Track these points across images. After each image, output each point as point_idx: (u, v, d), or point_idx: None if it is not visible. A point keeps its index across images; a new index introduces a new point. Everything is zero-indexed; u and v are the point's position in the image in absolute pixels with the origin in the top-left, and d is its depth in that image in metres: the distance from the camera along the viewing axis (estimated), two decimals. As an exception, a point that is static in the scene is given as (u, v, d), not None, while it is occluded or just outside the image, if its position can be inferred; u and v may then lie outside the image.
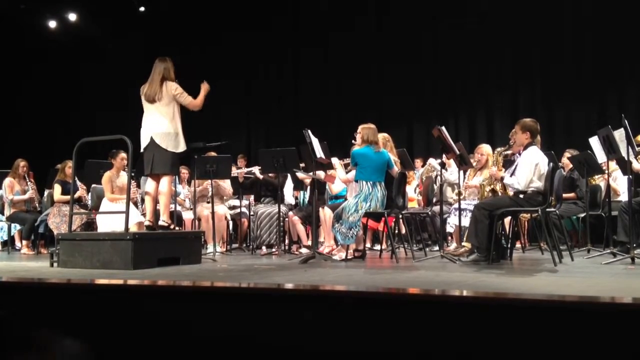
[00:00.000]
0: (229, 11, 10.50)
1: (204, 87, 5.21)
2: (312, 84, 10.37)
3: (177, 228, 5.23)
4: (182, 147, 5.05)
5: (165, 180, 5.03)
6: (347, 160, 5.62)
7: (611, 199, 5.72)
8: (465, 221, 5.43)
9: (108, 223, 5.70)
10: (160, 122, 4.98)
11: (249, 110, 10.99)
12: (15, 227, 7.39)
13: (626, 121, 4.57)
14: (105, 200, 6.12)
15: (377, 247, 6.43)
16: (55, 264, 4.55)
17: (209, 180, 6.42)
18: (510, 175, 4.76)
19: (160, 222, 5.01)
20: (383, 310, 2.31)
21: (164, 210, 5.04)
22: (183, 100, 5.05)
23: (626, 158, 4.70)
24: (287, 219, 6.45)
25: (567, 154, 6.67)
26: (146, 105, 5.08)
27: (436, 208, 6.05)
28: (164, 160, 4.97)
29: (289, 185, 6.85)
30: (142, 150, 5.04)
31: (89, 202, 6.72)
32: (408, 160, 6.60)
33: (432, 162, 6.64)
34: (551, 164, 4.62)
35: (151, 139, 4.98)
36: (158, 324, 2.61)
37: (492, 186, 5.31)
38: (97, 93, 10.74)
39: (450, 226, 6.04)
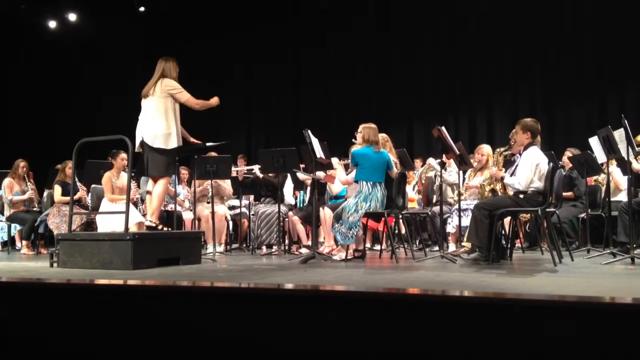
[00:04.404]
0: (229, 11, 10.50)
1: (214, 100, 5.16)
2: (312, 84, 10.37)
3: (165, 229, 5.19)
4: (172, 144, 4.91)
5: (160, 183, 4.97)
6: (347, 161, 5.62)
7: (611, 197, 5.72)
8: (466, 221, 5.43)
9: (108, 223, 5.70)
10: (151, 120, 4.89)
11: (249, 110, 10.98)
12: (16, 228, 7.40)
13: (626, 121, 4.57)
14: (105, 200, 6.12)
15: (377, 247, 6.43)
16: (55, 264, 4.54)
17: (209, 180, 6.42)
18: (511, 175, 4.76)
19: (147, 223, 4.97)
20: (383, 310, 2.31)
21: (152, 211, 4.98)
22: (180, 97, 4.96)
23: (626, 158, 4.70)
24: (287, 219, 6.46)
25: (568, 153, 6.67)
26: (142, 103, 5.03)
27: (436, 208, 6.05)
28: (157, 161, 4.91)
29: (289, 185, 6.85)
30: (136, 150, 4.96)
31: (89, 203, 6.71)
32: (408, 160, 6.59)
33: (432, 161, 6.63)
34: (551, 164, 4.61)
35: (142, 139, 4.93)
36: (158, 324, 2.61)
37: (492, 186, 5.31)
38: (97, 93, 10.73)
39: (452, 227, 6.04)
